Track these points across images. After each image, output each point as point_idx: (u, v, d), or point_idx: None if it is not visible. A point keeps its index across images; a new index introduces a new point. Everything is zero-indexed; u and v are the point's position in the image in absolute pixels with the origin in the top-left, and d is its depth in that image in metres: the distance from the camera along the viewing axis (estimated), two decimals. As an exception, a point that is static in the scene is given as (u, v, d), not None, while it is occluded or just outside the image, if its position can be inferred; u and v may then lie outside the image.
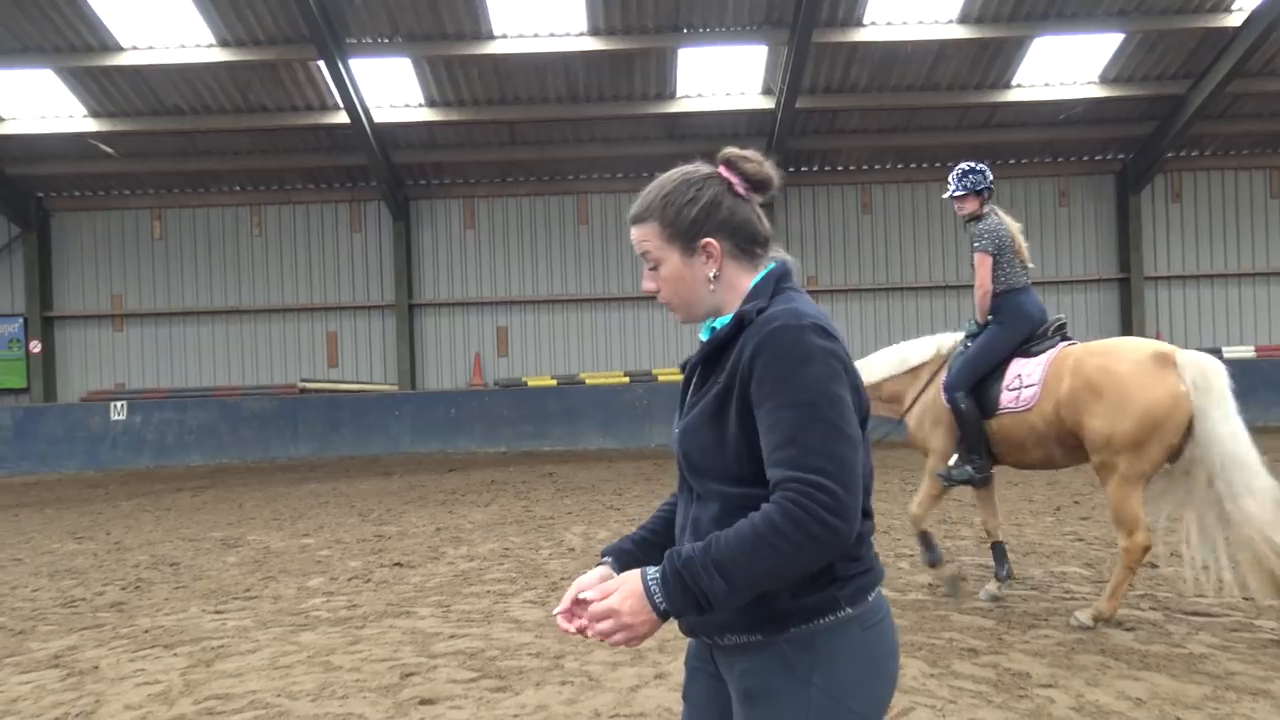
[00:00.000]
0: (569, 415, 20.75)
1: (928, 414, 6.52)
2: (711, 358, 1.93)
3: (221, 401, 21.11)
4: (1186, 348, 5.82)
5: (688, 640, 2.10)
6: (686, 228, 1.95)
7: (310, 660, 5.45)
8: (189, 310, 22.61)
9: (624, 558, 2.09)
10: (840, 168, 22.59)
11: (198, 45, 17.90)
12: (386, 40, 18.10)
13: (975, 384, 6.17)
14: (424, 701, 4.63)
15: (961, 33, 18.10)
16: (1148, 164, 21.68)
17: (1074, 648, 5.09)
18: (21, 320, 22.38)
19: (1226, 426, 5.22)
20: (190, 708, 4.70)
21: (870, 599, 1.88)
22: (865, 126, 21.27)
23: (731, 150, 1.99)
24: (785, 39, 17.98)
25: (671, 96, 19.85)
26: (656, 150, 21.32)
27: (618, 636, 1.76)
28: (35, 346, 22.29)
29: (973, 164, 6.56)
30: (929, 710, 4.23)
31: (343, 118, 19.38)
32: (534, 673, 5.02)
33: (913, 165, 22.55)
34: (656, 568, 1.77)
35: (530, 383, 21.73)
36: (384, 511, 11.87)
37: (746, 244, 1.97)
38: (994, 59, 19.19)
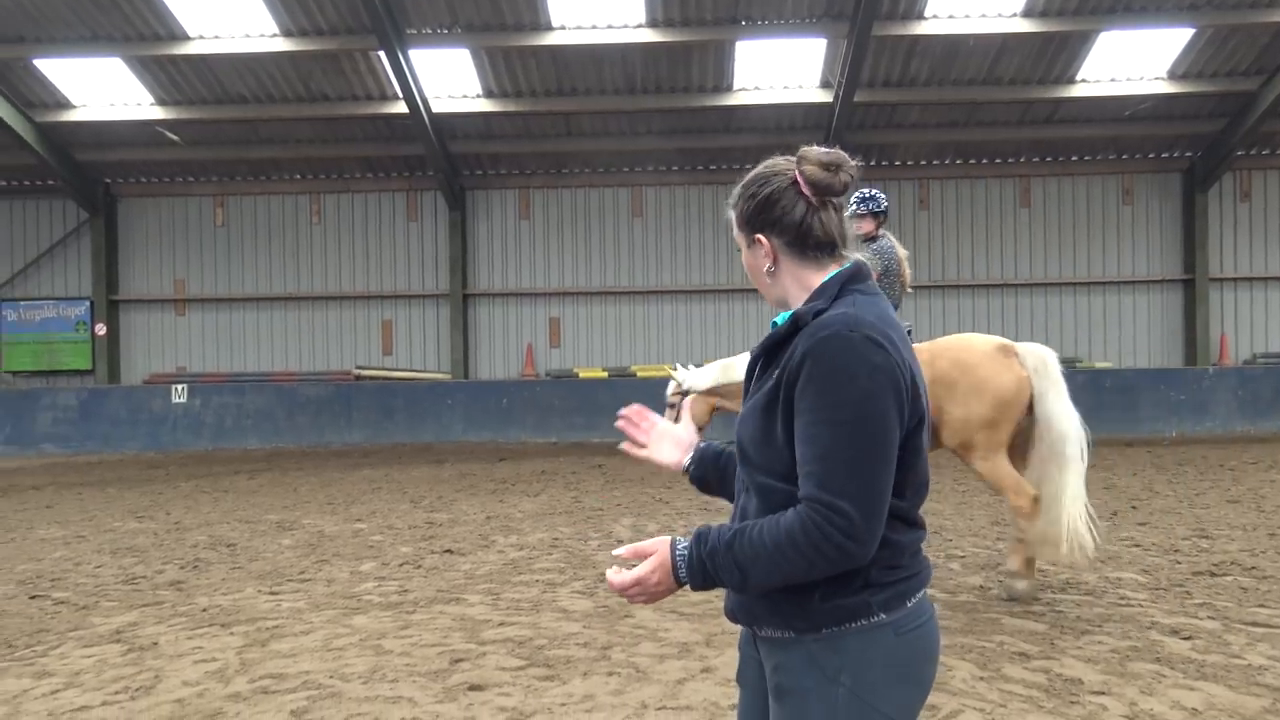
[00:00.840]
0: (620, 407, 20.57)
1: None
2: (770, 352, 1.96)
3: (279, 387, 21.46)
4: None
5: (739, 629, 2.14)
6: (746, 220, 2.01)
7: (362, 643, 5.53)
8: (249, 296, 23.01)
9: (706, 455, 2.26)
10: (898, 162, 22.35)
11: (262, 35, 18.19)
12: (446, 31, 18.24)
13: None
14: (473, 687, 4.68)
15: (1025, 26, 17.80)
16: (1216, 162, 21.17)
17: (1128, 655, 5.00)
18: (88, 303, 22.95)
19: (1060, 406, 6.11)
20: (245, 686, 4.80)
21: (910, 604, 1.88)
22: (924, 121, 21.03)
23: (808, 149, 1.99)
24: (845, 32, 17.83)
25: (729, 89, 19.78)
26: (712, 143, 21.29)
27: (640, 599, 1.92)
28: (100, 329, 22.84)
29: (872, 190, 7.25)
30: (978, 714, 4.19)
31: (401, 108, 19.59)
32: (581, 662, 5.05)
33: (972, 161, 22.25)
34: (686, 543, 1.88)
35: (581, 374, 21.81)
36: (435, 499, 12.00)
37: (802, 244, 1.97)
38: (1059, 53, 18.85)
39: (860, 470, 1.73)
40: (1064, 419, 6.06)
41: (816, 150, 1.98)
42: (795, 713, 1.87)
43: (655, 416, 2.24)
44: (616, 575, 1.93)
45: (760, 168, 2.04)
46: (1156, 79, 19.52)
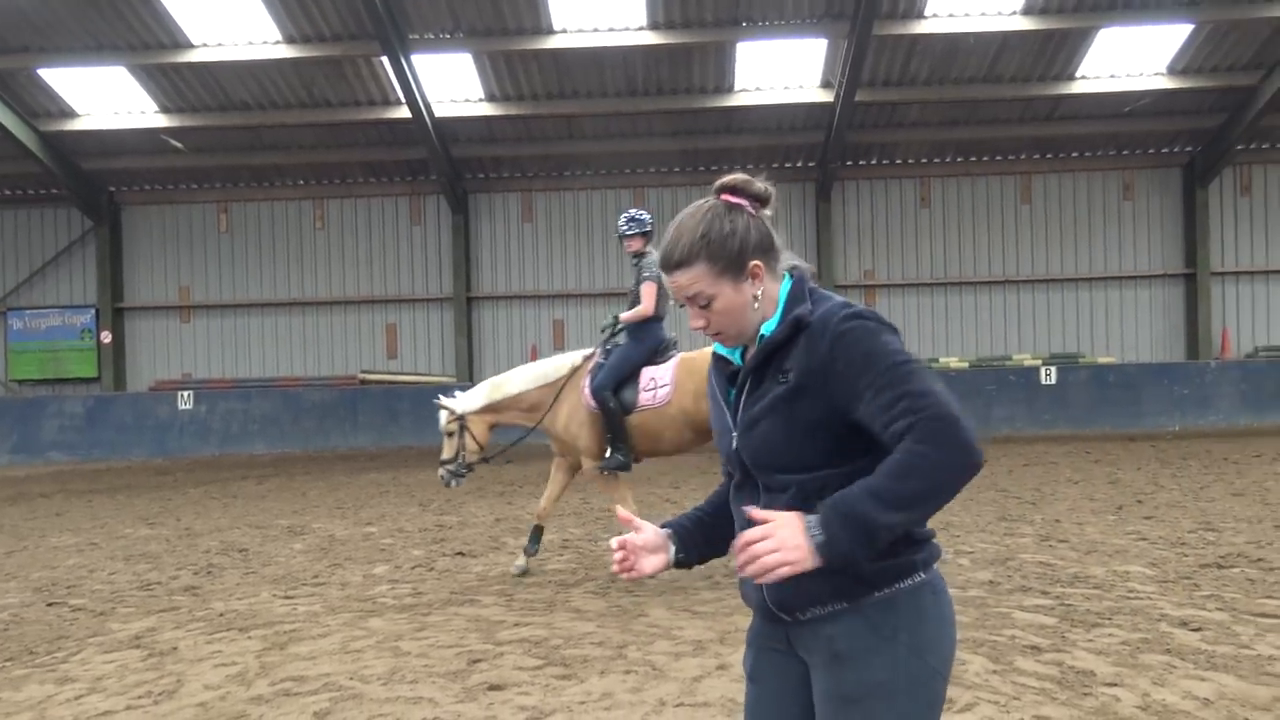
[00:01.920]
0: (625, 408, 20.82)
1: (574, 418, 7.57)
2: (766, 362, 2.06)
3: (284, 392, 21.54)
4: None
5: (749, 627, 2.24)
6: (735, 258, 2.06)
7: (379, 645, 5.59)
8: (253, 302, 23.08)
9: (683, 533, 2.26)
10: (899, 161, 22.41)
11: (265, 42, 18.27)
12: (448, 36, 18.32)
13: (617, 387, 7.38)
14: (492, 687, 4.74)
15: (1025, 24, 17.86)
16: (1216, 157, 21.22)
17: (1139, 647, 5.06)
18: (93, 311, 23.03)
19: None
20: (267, 689, 4.86)
21: (936, 567, 2.08)
22: (925, 119, 21.08)
23: (726, 179, 2.12)
24: (845, 31, 17.89)
25: (730, 90, 19.84)
26: (714, 144, 21.36)
27: (773, 559, 1.87)
28: (106, 337, 22.91)
29: (638, 211, 7.86)
30: (992, 706, 4.25)
31: (404, 112, 19.66)
32: (598, 661, 5.11)
33: (973, 158, 22.31)
34: (814, 517, 1.90)
35: (586, 375, 21.82)
36: (444, 501, 12.07)
37: (772, 259, 2.11)
38: (1058, 50, 18.91)
39: (938, 389, 1.91)
40: None
41: (730, 177, 2.12)
42: (858, 674, 1.99)
43: (628, 536, 2.19)
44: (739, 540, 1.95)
45: (701, 215, 2.08)
46: (1156, 75, 19.57)
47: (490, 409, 7.90)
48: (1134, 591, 6.30)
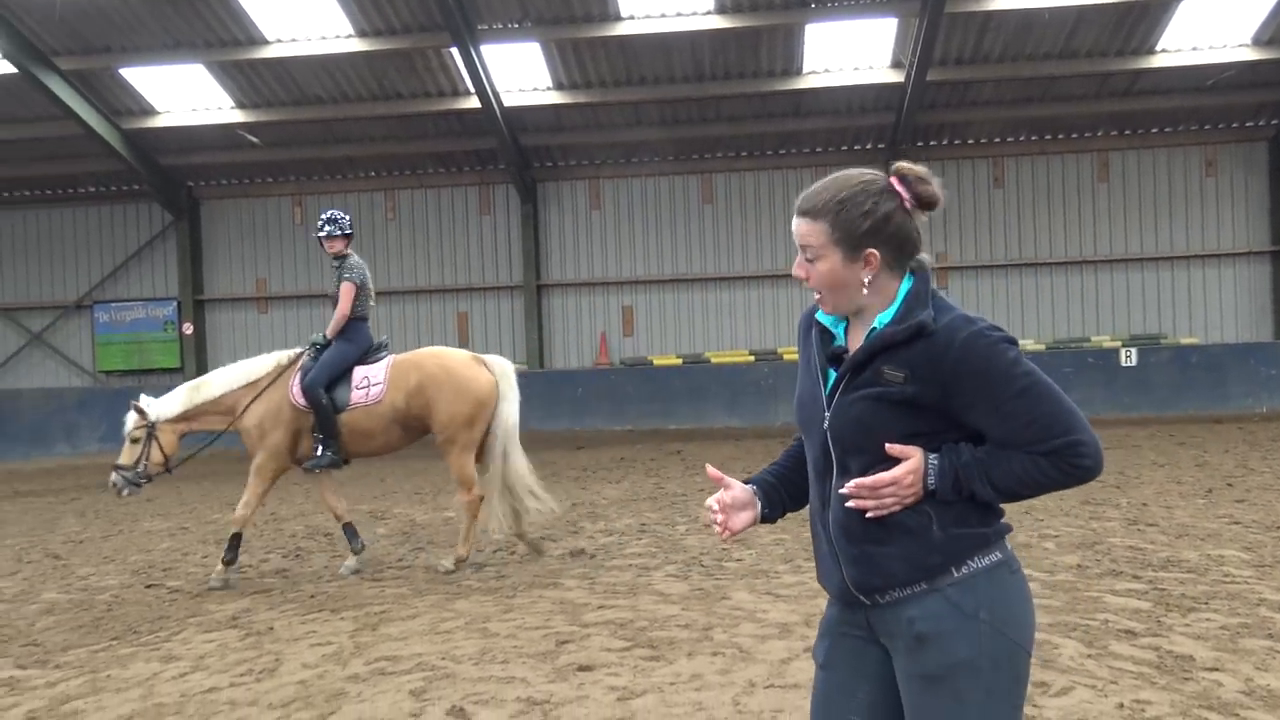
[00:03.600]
0: (694, 394, 20.85)
1: (268, 417, 7.61)
2: (876, 356, 2.06)
3: (360, 380, 21.88)
4: None
5: (823, 619, 2.28)
6: (856, 236, 2.07)
7: (468, 626, 5.69)
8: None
9: (767, 488, 2.36)
10: (971, 141, 22.00)
11: (337, 36, 18.53)
12: (516, 25, 18.41)
13: (329, 385, 7.50)
14: (582, 668, 4.79)
15: (1103, -3, 17.40)
16: (1305, 129, 20.49)
17: (1239, 632, 4.94)
18: (175, 303, 23.64)
19: (510, 407, 7.60)
20: (363, 667, 4.98)
21: (1009, 546, 2.13)
22: (998, 97, 20.66)
23: (906, 165, 2.12)
24: (916, 10, 17.58)
25: (798, 73, 19.64)
26: (782, 127, 21.18)
27: (890, 500, 2.03)
28: (188, 328, 23.52)
29: (339, 213, 8.03)
30: (1089, 690, 4.19)
31: (474, 102, 19.82)
32: (685, 643, 5.14)
33: (1047, 137, 21.81)
34: (936, 455, 2.05)
35: (655, 362, 21.90)
36: (520, 487, 12.17)
37: (902, 256, 2.11)
38: (1137, 23, 18.39)
39: (1064, 407, 2.00)
40: (511, 417, 7.58)
41: (909, 165, 2.12)
42: (942, 654, 2.02)
43: (720, 495, 2.29)
44: (865, 479, 2.05)
45: (855, 182, 2.10)
46: (1240, 46, 18.93)
47: (185, 417, 7.75)
48: (1230, 576, 6.15)
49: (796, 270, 2.15)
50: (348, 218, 8.10)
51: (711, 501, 2.27)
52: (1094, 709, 3.99)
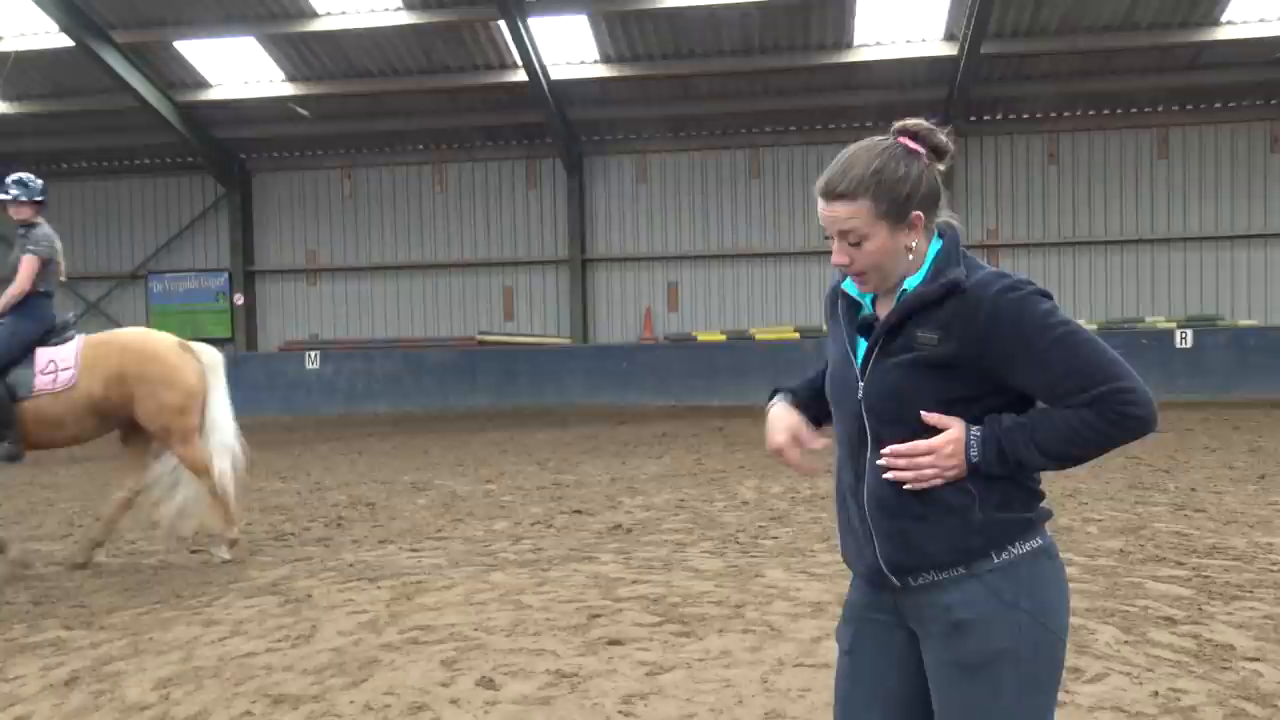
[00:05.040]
0: (738, 370, 20.74)
1: None
2: (908, 318, 2.01)
3: (405, 353, 22.13)
4: None
5: (847, 602, 2.23)
6: (901, 203, 2.01)
7: (502, 598, 5.73)
8: (376, 265, 23.72)
9: (789, 396, 2.39)
10: (1026, 115, 21.57)
11: (386, 9, 18.60)
12: (564, -2, 18.34)
13: (3, 370, 6.73)
14: (612, 642, 4.81)
15: (1165, -32, 16.93)
16: (1376, 105, 19.81)
17: (1284, 622, 4.83)
18: (227, 274, 24.03)
19: (219, 397, 7.28)
20: (397, 636, 5.04)
21: (1049, 531, 2.08)
22: (1055, 71, 20.23)
23: (910, 121, 2.06)
24: (970, -18, 17.25)
25: (849, 46, 19.37)
26: (832, 101, 20.94)
27: (930, 471, 1.98)
28: (239, 299, 23.90)
29: (29, 176, 7.16)
30: (1125, 677, 4.12)
31: (521, 76, 19.81)
32: (716, 620, 5.14)
33: (1105, 112, 21.33)
34: (979, 426, 1.99)
35: (700, 337, 21.85)
36: (560, 461, 12.25)
37: (934, 213, 2.07)
38: (1202, -6, 17.87)
39: (1107, 354, 1.95)
40: (219, 408, 7.29)
41: (913, 120, 2.06)
42: (981, 643, 1.97)
43: (777, 437, 2.30)
44: (902, 445, 2.01)
45: (880, 151, 2.03)
46: (1310, 18, 18.35)
47: None
48: (1278, 564, 6.01)
49: (837, 258, 2.07)
50: (41, 183, 7.19)
51: (777, 438, 2.27)
52: (1128, 696, 3.92)
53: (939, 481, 1.97)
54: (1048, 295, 1.98)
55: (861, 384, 2.06)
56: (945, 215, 2.10)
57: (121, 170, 24.38)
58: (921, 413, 1.99)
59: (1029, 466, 1.98)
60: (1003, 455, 1.95)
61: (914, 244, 2.03)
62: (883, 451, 2.01)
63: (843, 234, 2.03)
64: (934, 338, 1.97)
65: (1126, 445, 2.01)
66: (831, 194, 2.03)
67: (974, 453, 1.96)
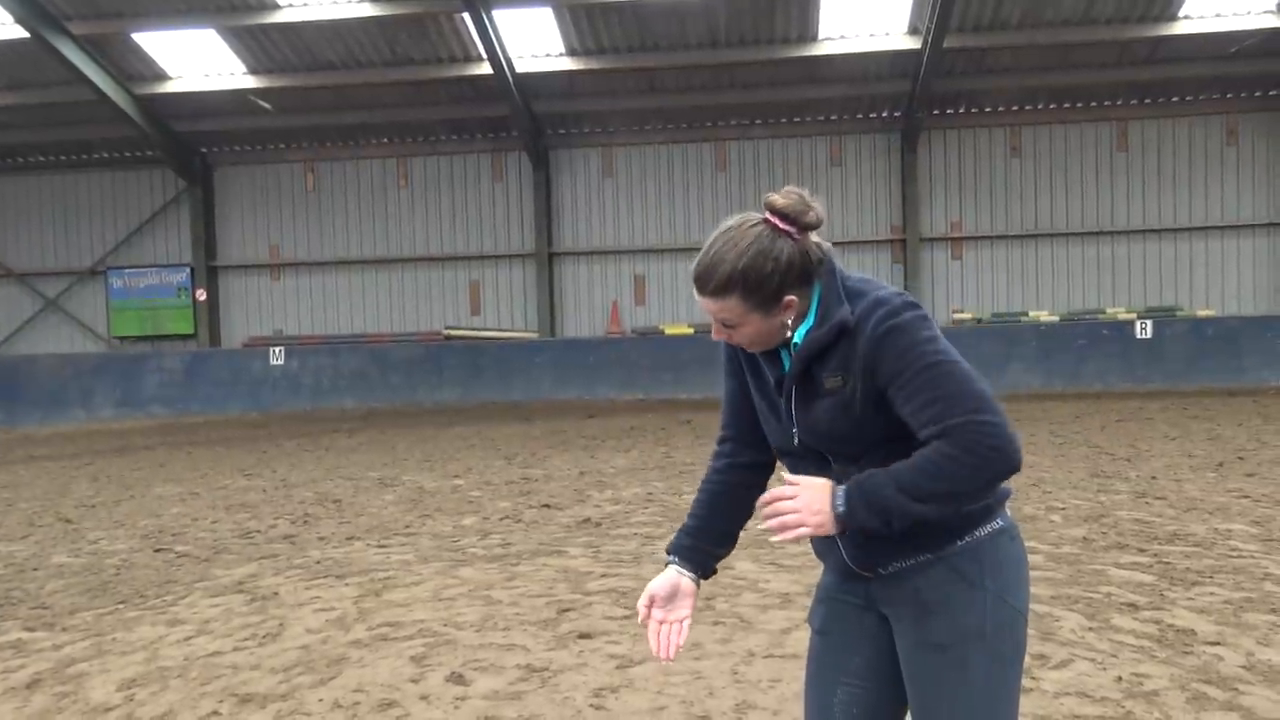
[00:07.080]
0: (706, 363, 20.77)
1: None
2: (815, 360, 2.03)
3: (371, 348, 21.99)
4: None
5: (819, 584, 2.25)
6: (771, 294, 2.00)
7: (471, 594, 5.71)
8: (340, 260, 23.53)
9: (689, 554, 2.25)
10: (988, 109, 21.79)
11: (349, 1, 18.42)
12: (528, -10, 18.26)
13: None
14: (582, 635, 4.81)
15: (1124, -37, 17.13)
16: (1329, 99, 20.18)
17: (1242, 606, 4.92)
18: (188, 270, 23.75)
19: None
20: (365, 633, 5.01)
21: (1009, 513, 2.12)
22: (1016, 65, 20.43)
23: (777, 199, 2.00)
24: (933, -24, 17.37)
25: (814, 39, 19.45)
26: (797, 95, 21.02)
27: (791, 519, 1.94)
28: (201, 294, 23.62)
29: None
30: (1089, 663, 4.17)
31: (486, 69, 19.72)
32: (685, 612, 5.14)
33: (1066, 105, 21.59)
34: (843, 487, 1.95)
35: (667, 330, 21.87)
36: (528, 455, 12.23)
37: (808, 280, 2.03)
38: (1159, -11, 18.11)
39: (974, 388, 1.91)
40: None
41: (781, 197, 2.00)
42: (949, 622, 2.02)
43: (645, 597, 2.22)
44: (766, 493, 2.01)
45: (747, 244, 1.98)
46: (1265, 12, 18.64)
47: None
48: (1237, 550, 6.12)
49: (716, 335, 2.10)
50: None
51: (640, 607, 2.18)
52: (1092, 682, 3.98)
53: (807, 533, 1.94)
54: (927, 321, 1.97)
55: (795, 430, 2.09)
56: (815, 239, 2.03)
57: (80, 164, 24.02)
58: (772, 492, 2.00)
59: (899, 512, 1.90)
60: (868, 502, 1.91)
61: (789, 320, 2.03)
62: (759, 501, 2.04)
63: (718, 321, 2.06)
64: (838, 379, 1.99)
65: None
66: (704, 290, 2.03)
67: (839, 504, 1.93)
